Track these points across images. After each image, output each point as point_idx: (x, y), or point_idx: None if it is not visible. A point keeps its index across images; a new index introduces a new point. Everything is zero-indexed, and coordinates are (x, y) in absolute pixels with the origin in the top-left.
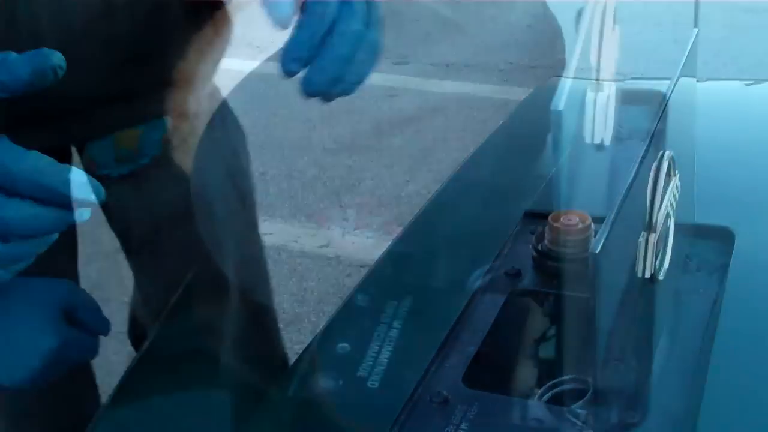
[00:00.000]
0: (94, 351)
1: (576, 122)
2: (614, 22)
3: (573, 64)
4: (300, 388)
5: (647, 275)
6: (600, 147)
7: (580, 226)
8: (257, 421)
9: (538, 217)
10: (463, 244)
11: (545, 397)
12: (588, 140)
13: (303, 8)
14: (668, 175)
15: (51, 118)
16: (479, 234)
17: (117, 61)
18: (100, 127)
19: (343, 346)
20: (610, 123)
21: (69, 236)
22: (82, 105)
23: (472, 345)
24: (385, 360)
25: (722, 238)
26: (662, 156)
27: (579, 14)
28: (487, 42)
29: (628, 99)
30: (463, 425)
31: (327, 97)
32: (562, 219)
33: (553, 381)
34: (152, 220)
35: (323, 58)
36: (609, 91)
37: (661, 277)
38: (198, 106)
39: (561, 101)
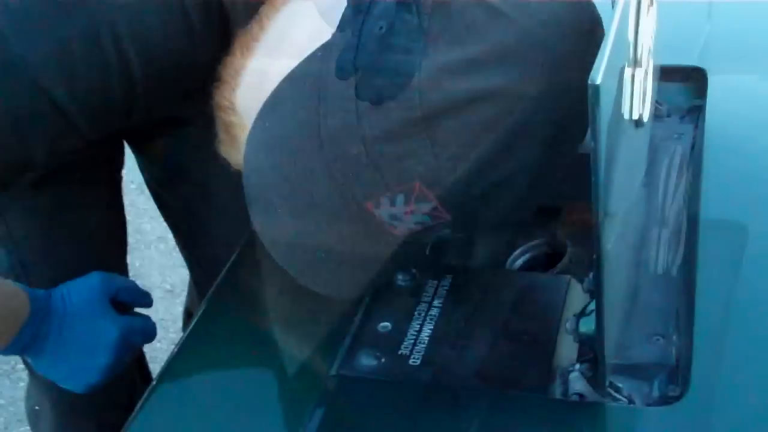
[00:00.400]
0: (153, 332)
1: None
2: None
3: (608, 46)
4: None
5: (635, 116)
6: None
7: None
8: (302, 396)
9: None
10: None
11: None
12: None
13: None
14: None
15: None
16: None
17: (194, 83)
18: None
19: (385, 325)
20: (647, 109)
21: (119, 231)
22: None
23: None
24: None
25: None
26: None
27: None
28: None
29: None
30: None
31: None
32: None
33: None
34: (198, 219)
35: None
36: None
37: (646, 119)
38: (244, 100)
39: (599, 74)
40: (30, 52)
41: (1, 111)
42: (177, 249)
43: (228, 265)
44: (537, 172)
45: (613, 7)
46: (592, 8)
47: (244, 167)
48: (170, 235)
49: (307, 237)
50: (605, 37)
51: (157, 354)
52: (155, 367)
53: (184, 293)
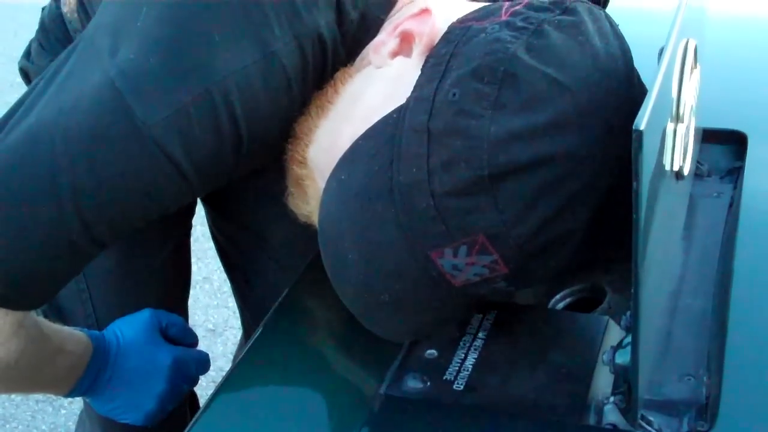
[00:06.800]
0: (206, 363)
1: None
2: (696, 61)
3: (652, 97)
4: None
5: (675, 168)
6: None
7: None
8: (351, 412)
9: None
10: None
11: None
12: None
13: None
14: (692, 65)
15: None
16: None
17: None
18: None
19: (431, 352)
20: (689, 163)
21: (183, 272)
22: None
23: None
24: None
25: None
26: (687, 44)
27: (661, 52)
28: None
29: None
30: None
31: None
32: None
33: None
34: (254, 267)
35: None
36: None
37: (686, 172)
38: (316, 156)
39: (642, 121)
40: (151, 117)
41: (127, 176)
42: (221, 290)
43: (285, 292)
44: (591, 232)
45: (658, 60)
46: (642, 83)
47: (319, 214)
48: (215, 276)
49: (373, 282)
50: (649, 89)
51: (197, 391)
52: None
53: (226, 332)
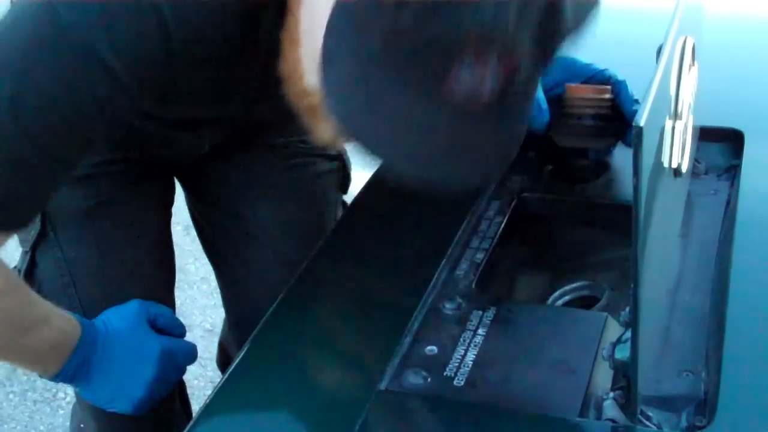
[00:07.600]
0: (194, 353)
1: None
2: (693, 59)
3: (651, 94)
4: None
5: (674, 165)
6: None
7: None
8: (353, 406)
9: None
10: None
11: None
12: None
13: None
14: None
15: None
16: None
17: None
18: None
19: (431, 349)
20: (687, 157)
21: (167, 263)
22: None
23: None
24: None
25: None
26: (685, 42)
27: (659, 50)
28: None
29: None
30: None
31: None
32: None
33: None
34: (239, 255)
35: None
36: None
37: (684, 169)
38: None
39: (642, 118)
40: (77, 18)
41: (59, 80)
42: (218, 290)
43: (284, 291)
44: None
45: (657, 60)
46: None
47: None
48: (212, 276)
49: (386, 101)
50: (649, 86)
51: (194, 391)
52: (193, 405)
53: None
